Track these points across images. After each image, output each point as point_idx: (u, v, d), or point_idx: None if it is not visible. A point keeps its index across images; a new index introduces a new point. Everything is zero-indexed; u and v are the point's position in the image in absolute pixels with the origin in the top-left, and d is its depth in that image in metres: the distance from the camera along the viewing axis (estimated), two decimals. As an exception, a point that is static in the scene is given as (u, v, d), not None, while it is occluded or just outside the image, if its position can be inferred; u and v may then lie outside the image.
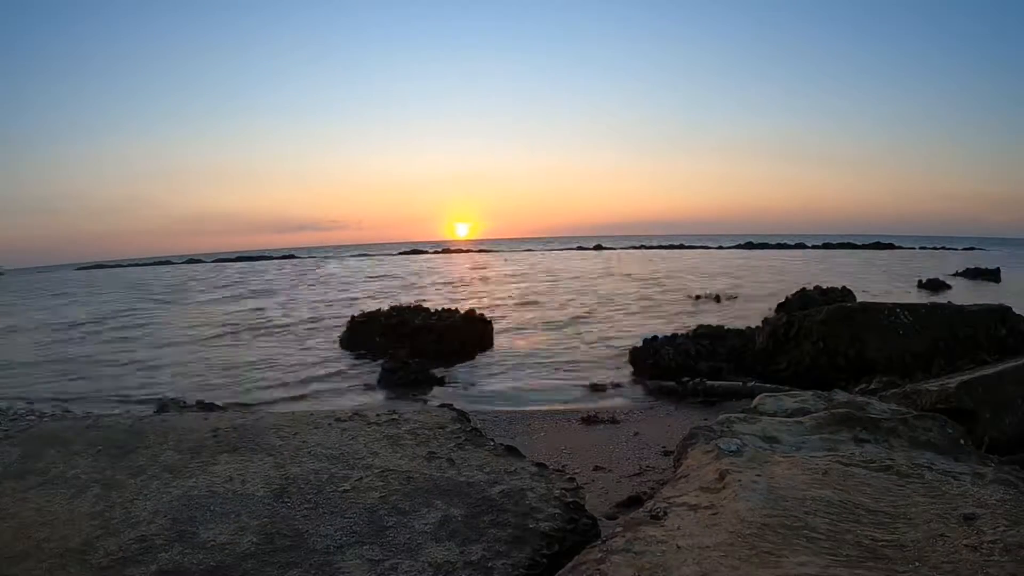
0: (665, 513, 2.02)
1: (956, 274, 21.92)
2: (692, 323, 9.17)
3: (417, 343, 9.37)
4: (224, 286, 27.02)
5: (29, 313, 18.73)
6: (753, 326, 8.10)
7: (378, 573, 1.89)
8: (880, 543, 1.80)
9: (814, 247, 54.27)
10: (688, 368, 7.18)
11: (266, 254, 71.64)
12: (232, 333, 12.77)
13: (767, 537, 1.81)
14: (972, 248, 52.14)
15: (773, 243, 60.12)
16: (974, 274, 21.91)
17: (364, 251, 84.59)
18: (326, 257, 63.86)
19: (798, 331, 6.79)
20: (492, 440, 3.03)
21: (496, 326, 11.07)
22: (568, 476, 2.71)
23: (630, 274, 25.87)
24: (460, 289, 21.66)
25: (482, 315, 10.79)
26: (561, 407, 6.57)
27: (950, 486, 2.17)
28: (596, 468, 4.32)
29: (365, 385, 7.85)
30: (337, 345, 10.64)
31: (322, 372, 8.79)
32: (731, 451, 2.48)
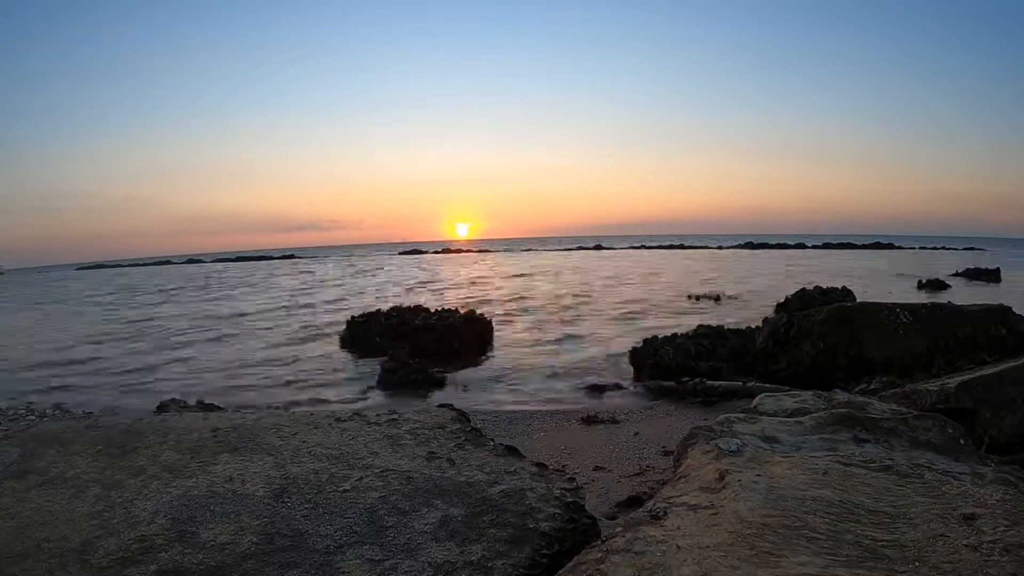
0: (665, 513, 2.02)
1: (956, 274, 21.91)
2: (692, 323, 9.17)
3: (417, 343, 9.37)
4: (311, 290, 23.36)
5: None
6: (753, 326, 8.10)
7: (378, 573, 1.89)
8: (880, 543, 1.80)
9: (814, 247, 54.29)
10: (688, 368, 7.18)
11: (266, 254, 71.65)
12: (234, 332, 12.78)
13: (767, 537, 1.81)
14: (972, 248, 52.14)
15: (773, 243, 60.15)
16: (974, 274, 21.89)
17: (365, 251, 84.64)
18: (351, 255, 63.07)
19: (798, 331, 6.79)
20: (492, 440, 3.03)
21: (496, 326, 11.07)
22: (568, 476, 2.70)
23: (630, 274, 25.88)
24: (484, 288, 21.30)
25: (482, 315, 10.79)
26: (561, 407, 6.57)
27: (950, 486, 2.17)
28: (596, 468, 4.32)
29: (365, 385, 7.85)
30: (337, 345, 10.65)
31: (322, 372, 8.80)
32: (731, 451, 2.48)
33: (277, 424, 3.10)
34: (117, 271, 57.63)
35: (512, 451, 2.86)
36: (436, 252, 65.71)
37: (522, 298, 17.38)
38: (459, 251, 69.33)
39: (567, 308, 14.89)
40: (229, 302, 19.75)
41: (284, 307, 17.26)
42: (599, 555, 1.80)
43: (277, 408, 6.48)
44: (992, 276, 21.26)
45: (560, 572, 1.83)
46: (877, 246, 52.64)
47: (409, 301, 13.13)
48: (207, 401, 6.46)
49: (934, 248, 53.73)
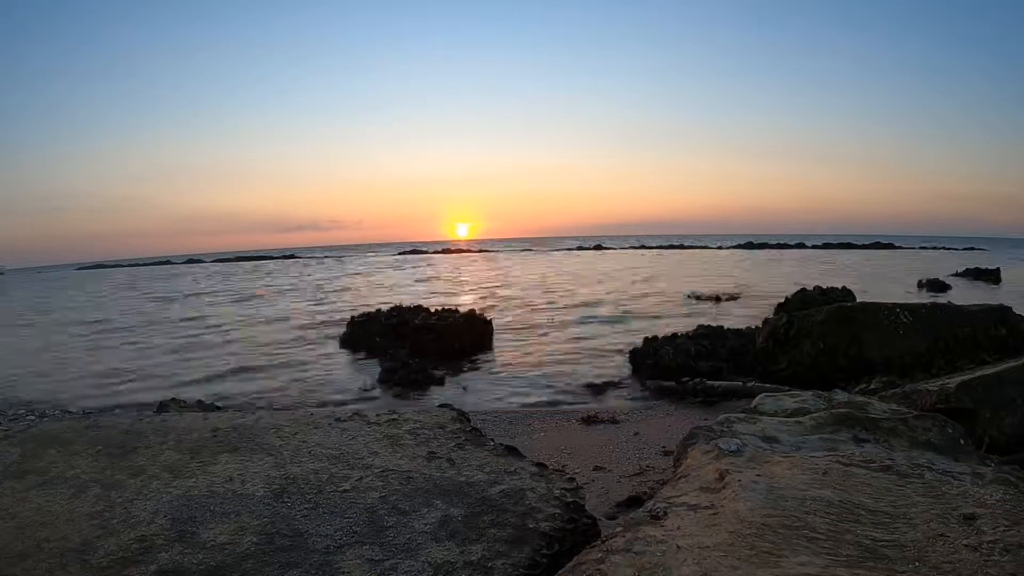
0: (665, 513, 2.02)
1: (956, 274, 21.91)
2: (692, 323, 9.17)
3: (417, 343, 9.37)
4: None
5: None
6: (753, 326, 8.10)
7: (378, 573, 1.89)
8: (880, 543, 1.80)
9: (814, 247, 54.31)
10: (688, 368, 7.18)
11: (266, 254, 71.66)
12: (230, 334, 12.78)
13: (767, 537, 1.81)
14: (972, 248, 52.16)
15: (773, 243, 60.19)
16: (974, 274, 21.89)
17: (366, 251, 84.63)
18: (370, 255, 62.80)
19: (798, 331, 6.79)
20: (492, 440, 3.02)
21: (496, 326, 11.06)
22: (568, 476, 2.70)
23: (630, 274, 25.87)
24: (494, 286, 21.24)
25: (482, 315, 10.79)
26: (561, 407, 6.58)
27: (950, 486, 2.17)
28: (596, 468, 4.31)
29: (365, 385, 7.85)
30: (337, 345, 10.65)
31: (322, 372, 8.80)
32: (731, 451, 2.48)
33: (277, 424, 3.10)
34: (118, 271, 57.63)
35: (512, 451, 2.86)
36: (436, 252, 65.73)
37: (522, 297, 17.38)
38: (459, 251, 69.36)
39: (567, 307, 14.89)
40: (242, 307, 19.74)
41: (284, 306, 17.26)
42: (599, 555, 1.80)
43: (277, 408, 6.48)
44: (992, 276, 21.26)
45: (560, 572, 1.83)
46: (877, 246, 52.68)
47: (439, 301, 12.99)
48: (207, 401, 6.46)
49: (934, 248, 53.74)
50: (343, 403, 7.06)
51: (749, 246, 57.91)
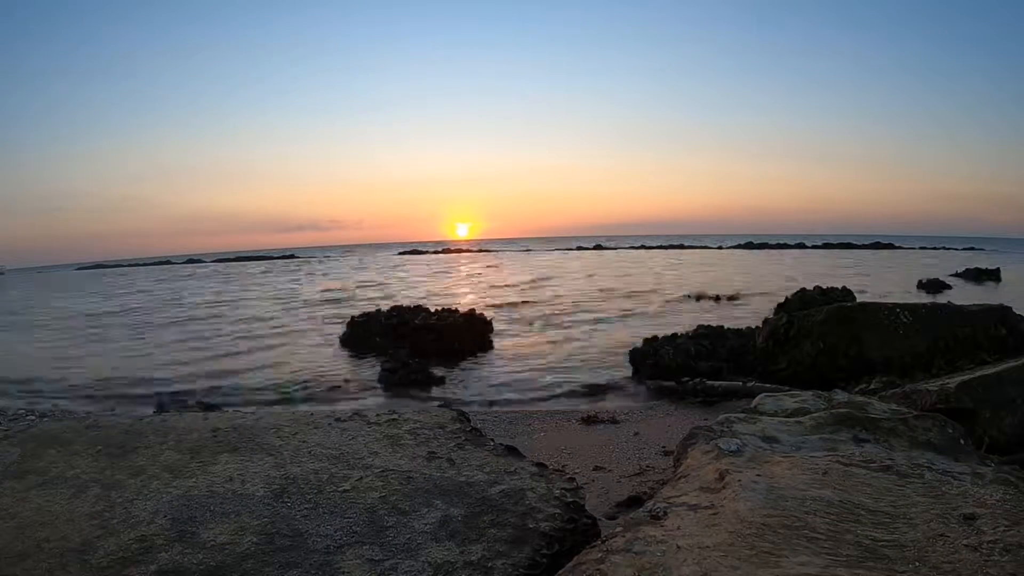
0: (665, 513, 2.02)
1: (956, 274, 21.92)
2: (692, 323, 9.17)
3: (417, 343, 9.37)
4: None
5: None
6: (753, 326, 8.10)
7: (378, 573, 1.89)
8: (880, 543, 1.80)
9: (814, 247, 54.30)
10: (688, 368, 7.18)
11: (266, 254, 71.65)
12: (230, 333, 12.77)
13: (767, 537, 1.81)
14: (972, 248, 52.14)
15: (773, 243, 60.17)
16: (974, 274, 21.91)
17: (367, 251, 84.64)
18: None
19: (798, 331, 6.79)
20: (492, 440, 3.02)
21: (496, 326, 11.07)
22: (568, 476, 2.70)
23: (630, 274, 25.87)
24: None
25: (482, 315, 10.80)
26: (561, 407, 6.58)
27: (950, 486, 2.17)
28: (596, 468, 4.31)
29: (365, 385, 7.85)
30: (337, 344, 10.65)
31: (322, 372, 8.80)
32: (731, 451, 2.47)
33: (277, 424, 3.10)
34: (118, 271, 57.61)
35: (512, 451, 2.86)
36: (436, 252, 65.73)
37: (522, 297, 17.38)
38: (459, 251, 69.37)
39: (567, 308, 14.89)
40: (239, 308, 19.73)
41: (285, 307, 17.26)
42: (599, 555, 1.80)
43: (277, 408, 6.48)
44: (992, 276, 21.27)
45: (560, 572, 1.83)
46: (877, 246, 52.65)
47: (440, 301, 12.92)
48: (207, 401, 6.46)
49: (934, 248, 53.73)
50: (343, 403, 7.06)
51: (749, 246, 57.90)
